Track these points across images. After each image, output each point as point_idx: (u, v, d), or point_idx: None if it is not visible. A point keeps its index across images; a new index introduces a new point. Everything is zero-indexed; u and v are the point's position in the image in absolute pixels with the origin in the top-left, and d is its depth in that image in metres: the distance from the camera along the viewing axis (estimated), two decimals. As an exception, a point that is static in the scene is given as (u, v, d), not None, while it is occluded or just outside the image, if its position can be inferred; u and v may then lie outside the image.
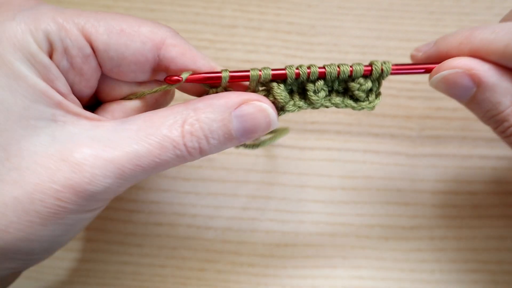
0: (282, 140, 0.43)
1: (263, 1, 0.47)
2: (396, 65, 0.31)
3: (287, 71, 0.30)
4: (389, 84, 0.45)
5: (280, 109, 0.31)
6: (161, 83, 0.31)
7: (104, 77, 0.31)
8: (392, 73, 0.31)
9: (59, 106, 0.27)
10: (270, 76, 0.30)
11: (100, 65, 0.29)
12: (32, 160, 0.26)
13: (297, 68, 0.30)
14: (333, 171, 0.43)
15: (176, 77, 0.29)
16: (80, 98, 0.30)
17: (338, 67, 0.30)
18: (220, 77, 0.29)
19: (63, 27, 0.27)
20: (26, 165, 0.26)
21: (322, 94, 0.31)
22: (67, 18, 0.27)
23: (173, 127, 0.27)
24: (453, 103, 0.43)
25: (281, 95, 0.30)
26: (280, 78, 0.30)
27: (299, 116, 0.44)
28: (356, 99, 0.31)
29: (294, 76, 0.30)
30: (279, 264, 0.41)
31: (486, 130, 0.43)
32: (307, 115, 0.44)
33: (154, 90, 0.31)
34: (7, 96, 0.26)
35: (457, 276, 0.41)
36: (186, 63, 0.29)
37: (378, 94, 0.31)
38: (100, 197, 0.27)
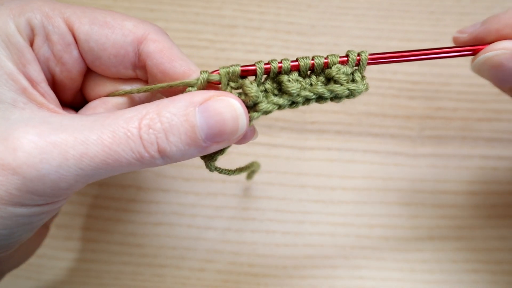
0: (282, 140, 0.43)
1: (263, 1, 0.47)
2: (373, 54, 0.29)
3: (256, 66, 0.28)
4: (389, 84, 0.45)
5: (253, 107, 0.28)
6: (145, 83, 0.31)
7: (89, 75, 0.31)
8: (371, 62, 0.29)
9: (23, 92, 0.26)
10: (239, 71, 0.28)
11: (82, 57, 0.29)
12: None
13: (267, 63, 0.28)
14: (333, 171, 0.43)
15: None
16: (63, 92, 0.30)
17: (313, 59, 0.29)
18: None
19: (47, 15, 0.27)
20: None
21: (297, 85, 0.28)
22: (54, 8, 0.28)
23: (131, 119, 0.25)
24: (453, 103, 0.43)
25: (251, 90, 0.27)
26: (250, 74, 0.28)
27: (299, 116, 0.44)
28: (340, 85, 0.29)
29: (263, 71, 0.28)
30: (279, 264, 0.41)
31: (486, 130, 0.43)
32: (307, 115, 0.44)
33: (139, 89, 0.30)
34: None
35: (457, 276, 0.41)
36: (162, 61, 0.28)
37: (362, 78, 0.29)
38: (36, 186, 0.24)
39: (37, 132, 0.24)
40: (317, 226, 0.42)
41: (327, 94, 0.28)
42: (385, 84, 0.45)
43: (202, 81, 0.28)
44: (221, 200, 0.42)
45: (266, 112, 0.28)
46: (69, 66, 0.29)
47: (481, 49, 0.29)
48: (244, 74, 0.28)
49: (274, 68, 0.28)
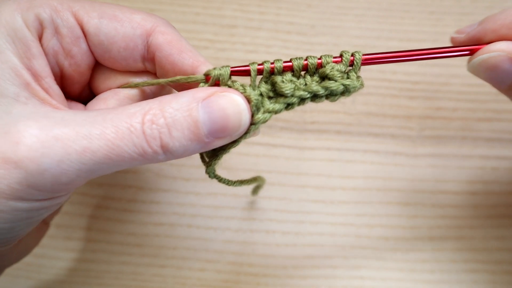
0: (282, 140, 0.43)
1: (263, 1, 0.47)
2: (367, 54, 0.29)
3: (250, 67, 0.28)
4: (389, 84, 0.45)
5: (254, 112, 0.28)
6: (154, 76, 0.31)
7: (97, 69, 0.31)
8: (364, 63, 0.29)
9: (26, 87, 0.27)
10: (229, 73, 0.28)
11: (91, 51, 0.29)
12: None
13: (260, 64, 0.28)
14: (333, 171, 0.43)
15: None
16: (71, 86, 0.30)
17: (306, 59, 0.28)
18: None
19: (56, 9, 0.27)
20: None
21: (291, 85, 0.28)
22: (62, 2, 0.28)
23: (134, 115, 0.25)
24: (453, 103, 0.43)
25: (251, 95, 0.27)
26: (243, 75, 0.29)
27: (299, 116, 0.44)
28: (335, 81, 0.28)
29: (256, 73, 0.28)
30: (279, 264, 0.41)
31: (486, 130, 0.43)
32: (307, 115, 0.44)
33: (150, 82, 0.30)
34: None
35: (457, 276, 0.41)
36: (171, 52, 0.29)
37: (358, 77, 0.29)
38: (38, 181, 0.24)
39: (39, 126, 0.24)
40: (317, 226, 0.42)
41: (322, 91, 0.28)
42: (385, 84, 0.45)
43: (213, 78, 0.28)
44: (221, 200, 0.42)
45: (264, 122, 0.28)
46: (78, 60, 0.29)
47: (478, 49, 0.29)
48: (237, 74, 0.28)
49: (267, 68, 0.28)
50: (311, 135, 0.44)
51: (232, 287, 0.41)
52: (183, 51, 0.29)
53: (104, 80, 0.31)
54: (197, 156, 0.43)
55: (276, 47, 0.46)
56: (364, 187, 0.43)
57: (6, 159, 0.23)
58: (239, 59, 0.45)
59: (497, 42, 0.28)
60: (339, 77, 0.28)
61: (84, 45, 0.29)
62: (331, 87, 0.28)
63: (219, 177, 0.30)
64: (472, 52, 0.29)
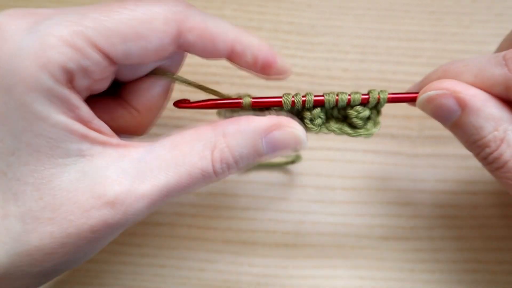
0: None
1: (263, 1, 0.47)
2: (392, 93, 0.31)
3: (283, 99, 0.30)
4: (389, 84, 0.45)
5: None
6: (182, 53, 0.32)
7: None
8: (389, 101, 0.31)
9: (84, 139, 0.26)
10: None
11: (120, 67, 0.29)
12: (64, 198, 0.26)
13: (292, 97, 0.30)
14: (333, 171, 0.43)
15: (183, 104, 0.31)
16: (98, 91, 0.30)
17: (337, 95, 0.31)
18: (230, 103, 0.30)
19: (76, 47, 0.25)
20: (59, 202, 0.26)
21: (319, 121, 0.31)
22: (78, 34, 0.25)
23: (202, 156, 0.27)
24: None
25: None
26: (276, 105, 0.31)
27: (299, 116, 0.44)
28: (353, 127, 0.32)
29: (290, 105, 0.30)
30: (279, 264, 0.41)
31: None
32: (307, 115, 0.44)
33: (176, 78, 0.31)
34: (32, 139, 0.25)
35: (457, 276, 0.41)
36: (205, 45, 0.28)
37: (377, 123, 0.32)
38: (130, 224, 0.28)
39: (123, 190, 0.26)
40: (317, 226, 0.42)
41: (339, 133, 0.32)
42: (385, 84, 0.45)
43: (247, 105, 0.30)
44: (221, 200, 0.42)
45: None
46: (108, 80, 0.29)
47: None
48: (268, 104, 0.31)
49: (298, 102, 0.30)
50: (311, 135, 0.44)
51: (232, 287, 0.41)
52: (215, 41, 0.29)
53: (130, 71, 0.31)
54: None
55: (276, 47, 0.46)
56: (364, 187, 0.43)
57: (107, 222, 0.26)
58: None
59: (442, 80, 0.30)
60: (360, 125, 0.32)
61: (113, 69, 0.28)
62: (349, 133, 0.32)
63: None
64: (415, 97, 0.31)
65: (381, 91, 0.31)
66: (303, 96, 0.30)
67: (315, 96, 0.30)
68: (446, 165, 0.43)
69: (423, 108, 0.31)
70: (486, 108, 0.28)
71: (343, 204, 0.42)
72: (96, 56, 0.26)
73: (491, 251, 0.41)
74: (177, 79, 0.32)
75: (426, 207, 0.42)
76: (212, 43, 0.28)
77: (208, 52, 0.29)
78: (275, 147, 0.28)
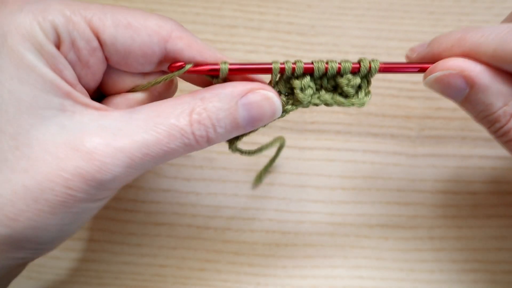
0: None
1: (263, 1, 0.47)
2: (385, 63, 0.31)
3: (272, 65, 0.30)
4: (389, 84, 0.45)
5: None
6: (165, 73, 0.31)
7: (108, 70, 0.31)
8: (380, 71, 0.31)
9: (67, 96, 0.27)
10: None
11: (106, 58, 0.29)
12: (41, 149, 0.26)
13: (282, 63, 0.30)
14: (333, 171, 0.43)
15: (179, 63, 0.30)
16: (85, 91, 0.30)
17: (326, 63, 0.30)
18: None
19: (71, 20, 0.27)
20: (35, 154, 0.26)
21: (310, 91, 0.31)
22: (75, 11, 0.27)
23: (181, 116, 0.28)
24: (453, 103, 0.43)
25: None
26: (267, 72, 0.31)
27: (299, 116, 0.44)
28: (346, 96, 0.32)
29: (277, 72, 0.30)
30: (279, 264, 0.41)
31: (486, 130, 0.43)
32: (307, 115, 0.44)
33: (160, 79, 0.31)
34: (17, 86, 0.26)
35: (457, 276, 0.41)
36: (193, 55, 0.30)
37: (367, 92, 0.32)
38: (109, 185, 0.27)
39: (102, 142, 0.26)
40: (317, 226, 0.42)
41: (331, 102, 0.32)
42: (385, 84, 0.45)
43: (223, 73, 0.30)
44: (221, 200, 0.42)
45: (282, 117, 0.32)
46: (95, 69, 0.29)
47: (428, 67, 0.31)
48: (256, 72, 0.31)
49: (289, 68, 0.30)
50: (311, 135, 0.44)
51: (232, 287, 0.41)
52: (203, 52, 0.30)
53: (115, 81, 0.31)
54: (198, 156, 0.44)
55: (276, 47, 0.46)
56: (364, 187, 0.43)
57: (83, 175, 0.26)
58: (239, 59, 0.45)
59: (448, 59, 0.30)
60: (351, 93, 0.31)
61: (100, 55, 0.29)
62: (342, 103, 0.31)
63: (241, 150, 0.34)
64: (422, 70, 0.31)
65: (373, 60, 0.31)
66: (293, 63, 0.30)
67: (305, 63, 0.30)
68: (446, 165, 0.43)
69: (431, 87, 0.31)
70: (494, 85, 0.29)
71: (343, 204, 0.42)
72: (86, 31, 0.27)
73: (491, 251, 0.41)
74: (154, 83, 0.31)
75: (426, 207, 0.42)
76: (200, 53, 0.30)
77: (196, 61, 0.30)
78: (250, 109, 0.29)
